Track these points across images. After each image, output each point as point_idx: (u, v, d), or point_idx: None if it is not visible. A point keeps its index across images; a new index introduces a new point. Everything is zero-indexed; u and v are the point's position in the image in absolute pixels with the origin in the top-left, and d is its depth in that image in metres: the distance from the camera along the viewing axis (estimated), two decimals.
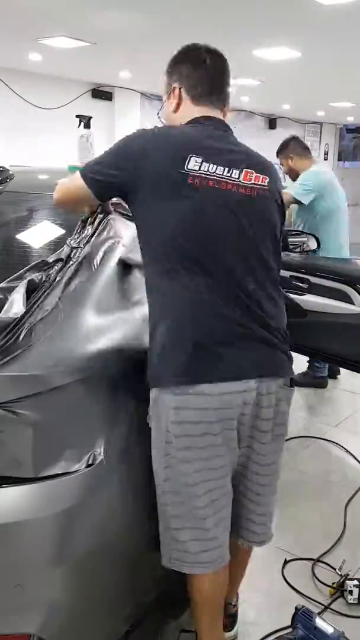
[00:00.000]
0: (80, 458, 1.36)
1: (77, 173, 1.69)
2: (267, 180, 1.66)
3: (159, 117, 1.87)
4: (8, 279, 1.59)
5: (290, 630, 1.94)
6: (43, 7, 5.18)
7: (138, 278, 1.86)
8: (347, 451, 3.21)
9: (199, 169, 1.56)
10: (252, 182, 1.63)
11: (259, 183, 1.63)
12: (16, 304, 1.47)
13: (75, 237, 1.85)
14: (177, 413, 1.52)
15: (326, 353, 3.32)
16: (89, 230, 1.87)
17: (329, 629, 1.89)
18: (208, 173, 1.57)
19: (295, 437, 3.38)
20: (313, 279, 3.22)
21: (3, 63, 7.83)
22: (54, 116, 8.60)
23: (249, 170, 1.63)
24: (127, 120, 9.38)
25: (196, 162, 1.56)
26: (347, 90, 9.27)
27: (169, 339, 1.54)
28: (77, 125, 2.80)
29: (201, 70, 1.72)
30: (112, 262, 1.82)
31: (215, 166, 1.58)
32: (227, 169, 1.60)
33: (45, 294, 1.57)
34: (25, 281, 1.56)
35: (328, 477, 2.98)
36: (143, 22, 5.61)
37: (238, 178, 1.61)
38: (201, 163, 1.56)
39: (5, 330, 1.40)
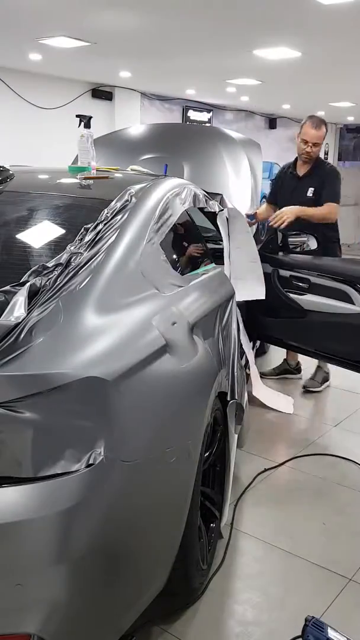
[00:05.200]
0: (80, 458, 1.36)
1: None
2: None
3: None
4: (11, 284, 1.62)
5: None
6: (43, 7, 5.18)
7: (138, 278, 1.88)
8: (347, 453, 3.21)
9: None
10: None
11: None
12: (17, 308, 1.50)
13: (76, 243, 1.89)
14: None
15: (326, 353, 3.32)
16: (90, 236, 1.91)
17: None
18: None
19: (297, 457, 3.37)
20: (313, 279, 3.23)
21: (3, 63, 7.84)
22: (54, 116, 8.61)
23: None
24: (127, 120, 9.38)
25: None
26: (347, 90, 9.28)
27: None
28: (77, 125, 2.81)
29: None
30: (112, 263, 1.83)
31: None
32: None
33: (46, 296, 1.60)
34: (27, 285, 1.60)
35: (327, 477, 2.99)
36: (143, 22, 5.62)
37: None
38: None
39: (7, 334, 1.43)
